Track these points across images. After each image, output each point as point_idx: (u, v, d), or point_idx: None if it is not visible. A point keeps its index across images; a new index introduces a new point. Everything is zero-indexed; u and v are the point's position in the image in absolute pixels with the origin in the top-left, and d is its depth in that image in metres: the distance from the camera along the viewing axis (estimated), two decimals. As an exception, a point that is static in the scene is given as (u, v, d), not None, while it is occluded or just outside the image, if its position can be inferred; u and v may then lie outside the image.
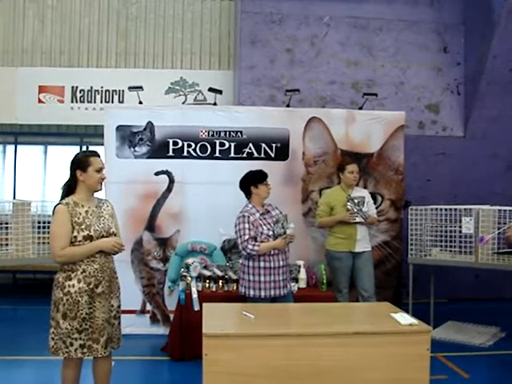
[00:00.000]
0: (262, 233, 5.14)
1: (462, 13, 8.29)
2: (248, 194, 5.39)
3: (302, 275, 6.14)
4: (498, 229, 6.40)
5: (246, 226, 5.13)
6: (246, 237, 5.09)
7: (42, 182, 9.82)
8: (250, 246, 5.07)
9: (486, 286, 8.05)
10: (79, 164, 3.89)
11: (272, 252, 5.17)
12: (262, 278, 5.17)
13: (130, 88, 6.86)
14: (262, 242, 5.12)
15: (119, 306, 4.06)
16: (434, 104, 8.22)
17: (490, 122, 7.96)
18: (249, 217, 5.18)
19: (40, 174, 9.84)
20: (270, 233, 5.17)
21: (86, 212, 3.86)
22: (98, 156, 4.01)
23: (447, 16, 8.33)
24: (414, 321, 3.79)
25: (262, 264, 5.17)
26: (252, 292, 5.20)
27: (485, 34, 7.56)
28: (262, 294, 5.17)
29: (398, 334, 3.65)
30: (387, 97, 7.96)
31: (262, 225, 5.18)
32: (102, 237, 3.87)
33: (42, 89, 9.21)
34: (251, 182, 5.34)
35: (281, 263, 5.23)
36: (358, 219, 5.94)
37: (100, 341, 3.83)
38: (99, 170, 3.93)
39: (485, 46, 7.55)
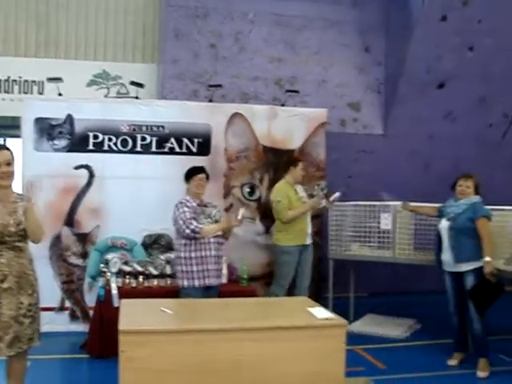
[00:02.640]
0: (195, 219, 5.24)
1: (383, 14, 8.46)
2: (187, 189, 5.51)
3: (224, 270, 6.15)
4: (416, 225, 6.63)
5: (186, 209, 5.23)
6: (188, 216, 5.19)
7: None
8: (194, 223, 5.17)
9: (404, 279, 8.28)
10: None
11: (204, 240, 5.24)
12: (195, 268, 5.25)
13: (49, 79, 6.70)
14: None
15: (31, 305, 3.85)
16: (355, 102, 8.38)
17: (409, 121, 8.19)
18: (186, 203, 5.29)
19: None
20: (208, 220, 5.33)
21: None
22: (7, 149, 3.84)
23: (369, 17, 8.49)
24: (330, 315, 3.86)
25: (193, 254, 5.24)
26: (186, 282, 5.28)
27: (404, 36, 7.76)
28: (196, 283, 5.26)
29: (315, 328, 3.71)
30: (310, 94, 8.05)
31: (197, 213, 5.29)
32: (9, 232, 3.71)
33: (-45, 77, 8.82)
34: (185, 178, 5.48)
35: (213, 253, 5.30)
36: (323, 203, 6.27)
37: (4, 339, 3.68)
38: (3, 163, 3.72)
39: (404, 48, 7.75)
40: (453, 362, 5.60)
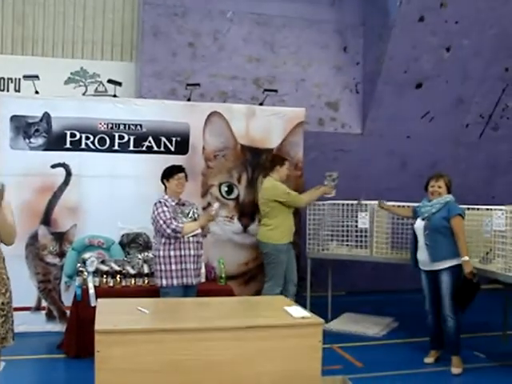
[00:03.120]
0: (174, 218, 5.23)
1: (361, 14, 8.51)
2: (165, 188, 5.49)
3: (202, 269, 6.15)
4: (393, 224, 6.68)
5: (165, 209, 5.24)
6: (168, 216, 5.20)
7: None
8: (174, 223, 5.18)
9: (382, 278, 8.34)
10: None
11: (184, 239, 5.26)
12: (174, 267, 5.25)
13: (25, 76, 6.65)
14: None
15: (4, 304, 3.76)
16: (333, 102, 8.41)
17: (387, 120, 8.24)
18: (165, 202, 5.30)
19: None
20: (187, 219, 5.33)
21: None
22: None
23: (347, 16, 8.53)
24: (306, 314, 3.88)
25: (172, 253, 5.24)
26: (165, 281, 5.29)
27: (382, 36, 7.82)
28: (175, 282, 5.27)
29: (291, 327, 3.73)
30: (288, 93, 8.06)
31: (176, 212, 5.30)
32: None
33: None
34: (163, 176, 5.47)
35: (192, 252, 5.32)
36: (333, 193, 6.49)
37: None
38: None
39: (382, 48, 7.80)
40: (429, 359, 5.66)
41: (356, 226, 6.73)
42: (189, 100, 6.97)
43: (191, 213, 5.43)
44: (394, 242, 6.71)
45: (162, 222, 5.19)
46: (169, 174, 5.45)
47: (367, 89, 8.35)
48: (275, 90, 7.35)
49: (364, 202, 6.68)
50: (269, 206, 6.28)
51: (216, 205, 5.52)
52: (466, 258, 5.27)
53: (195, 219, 5.41)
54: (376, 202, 6.47)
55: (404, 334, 6.62)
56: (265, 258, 6.37)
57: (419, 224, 5.62)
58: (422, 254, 5.57)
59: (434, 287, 5.54)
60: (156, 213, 5.25)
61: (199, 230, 5.41)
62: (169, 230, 5.17)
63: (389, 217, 6.67)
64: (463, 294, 5.33)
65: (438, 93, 8.09)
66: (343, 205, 6.83)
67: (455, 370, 5.36)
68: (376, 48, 8.03)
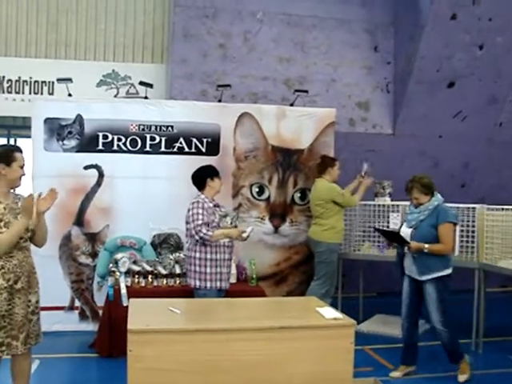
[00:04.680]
0: (213, 221, 5.23)
1: (392, 13, 8.45)
2: (201, 187, 5.40)
3: (233, 270, 6.16)
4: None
5: (200, 211, 5.18)
6: (200, 221, 5.13)
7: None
8: (204, 230, 5.11)
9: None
10: (3, 158, 3.79)
11: (220, 243, 5.25)
12: (208, 270, 5.24)
13: (59, 80, 6.75)
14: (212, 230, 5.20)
15: (37, 302, 3.97)
16: (364, 102, 8.36)
17: (418, 120, 8.16)
18: (203, 203, 5.24)
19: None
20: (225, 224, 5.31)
21: (4, 209, 3.76)
22: (22, 152, 3.94)
23: (378, 16, 8.47)
24: (338, 315, 3.86)
25: (208, 256, 5.23)
26: (198, 283, 5.28)
27: (413, 35, 7.74)
28: (208, 285, 5.25)
29: (323, 328, 3.72)
30: (318, 94, 8.04)
31: (214, 213, 5.27)
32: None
33: (-33, 78, 8.89)
34: (208, 175, 5.40)
35: (226, 256, 5.33)
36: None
37: (19, 338, 3.75)
38: (22, 166, 3.87)
39: (413, 47, 7.73)
40: (395, 373, 5.32)
41: (387, 227, 6.67)
42: (219, 101, 6.99)
43: (232, 221, 5.36)
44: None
45: (193, 225, 5.16)
46: (215, 172, 5.43)
47: (398, 88, 8.28)
48: (306, 91, 7.33)
49: (366, 170, 6.74)
50: (324, 207, 6.38)
51: (250, 228, 5.39)
52: (427, 246, 4.93)
53: (235, 226, 5.37)
54: (407, 202, 6.42)
55: (435, 336, 6.53)
56: (317, 257, 6.44)
57: (405, 232, 5.20)
58: (408, 262, 5.21)
59: (416, 296, 5.25)
60: (191, 213, 5.21)
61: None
62: (197, 237, 5.15)
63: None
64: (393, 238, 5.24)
65: (471, 91, 7.98)
66: (375, 205, 6.80)
67: (461, 378, 5.16)
68: (407, 47, 7.96)
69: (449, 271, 5.09)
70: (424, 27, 7.40)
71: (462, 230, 6.21)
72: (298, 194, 6.91)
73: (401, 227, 5.43)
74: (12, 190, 3.96)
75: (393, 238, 5.37)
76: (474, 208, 6.20)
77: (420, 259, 5.06)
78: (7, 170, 3.78)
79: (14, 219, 3.76)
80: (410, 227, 5.18)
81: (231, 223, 5.31)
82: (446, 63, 7.71)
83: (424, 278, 5.08)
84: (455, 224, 5.17)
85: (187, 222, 5.27)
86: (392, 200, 6.83)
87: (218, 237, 5.19)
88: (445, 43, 7.53)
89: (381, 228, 5.44)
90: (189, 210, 5.25)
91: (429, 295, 5.10)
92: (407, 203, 6.47)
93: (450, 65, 7.73)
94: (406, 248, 5.14)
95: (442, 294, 5.06)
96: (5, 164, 3.77)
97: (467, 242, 6.17)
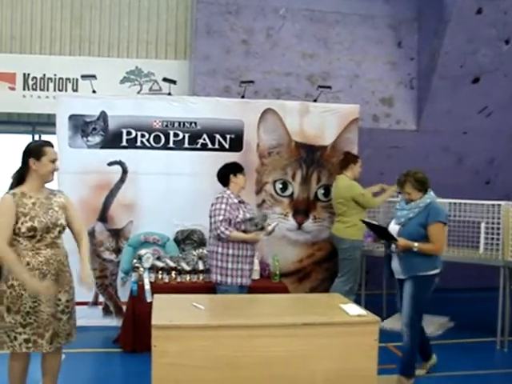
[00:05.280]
0: (237, 216, 5.23)
1: (416, 9, 8.37)
2: (225, 184, 5.44)
3: (256, 266, 6.17)
4: (450, 221, 6.55)
5: (223, 206, 5.21)
6: (221, 217, 5.17)
7: (-7, 171, 9.61)
8: (222, 228, 5.15)
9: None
10: (33, 153, 3.81)
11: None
12: (230, 265, 5.26)
13: (83, 76, 6.79)
14: (235, 226, 5.21)
15: (69, 301, 3.95)
16: (387, 98, 8.30)
17: (442, 116, 8.08)
18: (228, 199, 5.27)
19: (-10, 163, 9.63)
20: (247, 215, 5.29)
21: (34, 203, 3.77)
22: (52, 146, 3.95)
23: (402, 11, 8.40)
24: (362, 312, 3.85)
25: (230, 251, 5.25)
26: (219, 278, 5.31)
27: (437, 30, 7.66)
28: (229, 280, 5.28)
29: (347, 325, 3.71)
30: (342, 90, 8.00)
31: (239, 209, 5.28)
32: (48, 228, 3.77)
33: (-9, 75, 8.99)
34: (231, 171, 5.43)
35: (249, 252, 5.33)
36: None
37: (45, 336, 3.76)
38: (53, 161, 3.87)
39: (437, 42, 7.65)
40: (420, 371, 5.20)
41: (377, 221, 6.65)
42: (243, 97, 6.99)
43: (258, 224, 5.30)
44: (450, 240, 6.57)
45: (213, 220, 5.23)
46: (239, 169, 5.46)
47: (422, 84, 8.21)
48: (329, 87, 7.30)
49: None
50: (345, 205, 6.41)
51: (275, 223, 5.42)
52: (416, 244, 4.70)
53: (262, 228, 5.33)
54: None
55: (460, 334, 6.50)
56: (340, 254, 6.45)
57: (393, 228, 4.96)
58: (395, 263, 4.96)
59: None
60: (214, 207, 5.26)
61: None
62: (215, 232, 5.22)
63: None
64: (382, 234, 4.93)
65: (496, 87, 7.88)
66: (397, 202, 6.73)
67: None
68: (431, 42, 7.88)
69: (434, 272, 4.85)
70: (448, 22, 7.32)
71: (486, 228, 6.16)
72: (322, 191, 6.89)
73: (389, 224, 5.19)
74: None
75: (381, 233, 5.02)
76: (499, 205, 6.14)
77: (406, 258, 4.81)
78: (38, 165, 3.79)
79: (43, 214, 3.78)
80: (399, 224, 4.94)
81: (256, 226, 5.28)
82: (470, 58, 7.62)
83: (407, 276, 4.84)
84: (445, 224, 4.91)
85: (210, 217, 5.31)
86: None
87: (235, 238, 5.21)
88: (469, 38, 7.44)
89: (369, 221, 5.23)
90: (212, 205, 5.30)
91: (405, 291, 4.86)
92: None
93: (475, 60, 7.64)
94: (393, 246, 4.88)
95: (419, 292, 4.79)
96: (35, 159, 3.79)
97: (492, 239, 6.11)
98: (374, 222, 5.14)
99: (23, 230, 3.69)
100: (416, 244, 4.71)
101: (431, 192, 4.95)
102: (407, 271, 4.83)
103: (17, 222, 3.69)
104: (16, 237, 3.72)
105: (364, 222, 5.25)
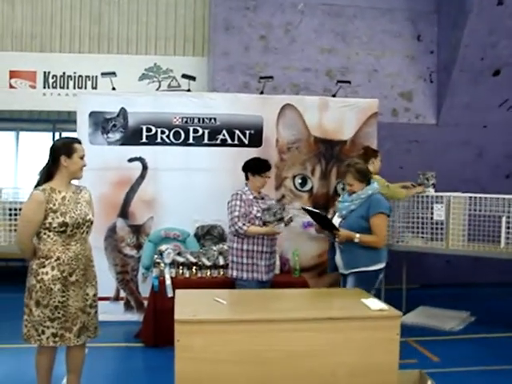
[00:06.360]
0: (250, 212, 5.24)
1: (435, 1, 8.33)
2: (246, 178, 5.46)
3: (276, 262, 6.18)
4: (469, 216, 6.52)
5: (238, 203, 5.24)
6: (236, 213, 5.20)
7: (14, 169, 9.72)
8: (239, 224, 5.17)
9: (457, 271, 8.16)
10: (64, 150, 3.84)
11: (258, 235, 5.26)
12: (245, 260, 5.27)
13: (103, 74, 6.82)
14: (249, 222, 5.21)
15: (95, 295, 4.02)
16: (407, 92, 8.27)
17: (462, 109, 8.04)
18: (242, 195, 5.29)
19: (12, 161, 9.73)
20: (259, 214, 5.27)
21: (63, 198, 3.82)
22: (80, 143, 4.00)
23: (421, 4, 8.36)
24: (384, 306, 3.84)
25: (245, 247, 5.26)
26: (235, 273, 5.34)
27: (457, 22, 7.61)
28: (245, 275, 5.29)
29: (368, 319, 3.70)
30: (361, 84, 7.98)
31: (253, 205, 5.28)
32: (78, 224, 3.82)
33: (13, 74, 9.08)
34: (249, 169, 5.41)
35: (264, 248, 5.30)
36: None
37: (73, 330, 3.82)
38: (82, 157, 3.92)
39: (457, 35, 7.60)
40: None
41: (431, 218, 6.60)
42: (262, 93, 6.99)
43: (276, 214, 5.27)
44: (471, 235, 6.55)
45: (230, 216, 5.26)
46: (257, 169, 5.38)
47: (442, 78, 8.17)
48: (348, 81, 7.28)
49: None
50: None
51: (289, 216, 5.39)
52: (357, 235, 4.58)
53: (281, 219, 5.30)
54: (452, 193, 6.36)
55: (481, 329, 6.46)
56: None
57: (335, 222, 4.82)
58: (337, 256, 4.83)
59: None
60: (229, 204, 5.29)
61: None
62: (232, 228, 5.23)
63: (465, 209, 6.51)
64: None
65: (518, 79, 7.83)
66: (418, 196, 6.72)
67: None
68: (451, 35, 7.83)
69: (378, 266, 4.72)
70: (469, 14, 7.26)
71: (507, 222, 6.13)
72: (341, 186, 6.87)
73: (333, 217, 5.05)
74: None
75: (322, 222, 4.82)
76: (519, 199, 6.11)
77: (347, 251, 4.70)
78: (68, 162, 3.83)
79: (73, 209, 3.83)
80: (340, 217, 4.84)
81: (275, 215, 5.27)
82: (491, 51, 7.56)
83: (348, 271, 4.72)
84: (388, 216, 4.79)
85: (227, 212, 5.35)
86: (436, 191, 6.74)
87: (253, 233, 5.21)
88: (490, 30, 7.38)
89: (310, 209, 5.05)
90: (228, 202, 5.33)
91: (347, 288, 4.73)
92: (452, 194, 6.45)
93: (496, 52, 7.58)
94: (335, 237, 4.71)
95: (362, 288, 4.47)
96: (66, 156, 3.83)
97: (514, 233, 6.09)
98: (315, 210, 4.92)
99: (54, 225, 3.74)
100: (358, 235, 4.59)
101: (374, 183, 4.86)
102: (348, 265, 4.71)
103: (46, 218, 3.74)
104: (47, 231, 3.77)
105: (304, 209, 5.08)
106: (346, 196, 4.88)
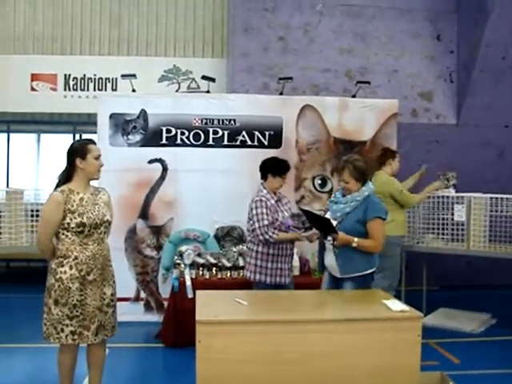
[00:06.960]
0: (276, 219, 5.10)
1: (454, 1, 8.30)
2: (264, 178, 5.28)
3: (296, 263, 6.16)
4: (490, 217, 6.47)
5: (265, 210, 5.06)
6: (266, 222, 5.02)
7: (35, 171, 9.81)
8: (269, 233, 5.00)
9: (478, 273, 8.10)
10: (78, 152, 3.89)
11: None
12: (269, 265, 5.15)
13: (123, 76, 6.86)
14: (275, 228, 5.07)
15: (113, 294, 4.06)
16: (426, 92, 8.23)
17: (483, 109, 7.99)
18: (266, 202, 5.10)
19: (33, 163, 9.82)
20: (286, 214, 5.20)
21: (81, 199, 3.86)
22: (95, 143, 4.04)
23: (440, 4, 8.33)
24: (405, 307, 3.81)
25: (270, 251, 5.13)
26: (258, 277, 5.18)
27: (478, 21, 7.57)
28: (268, 280, 5.16)
29: (390, 321, 3.67)
30: (380, 85, 7.97)
31: (277, 211, 5.16)
32: (96, 224, 3.87)
33: (34, 77, 9.17)
34: (270, 170, 5.23)
35: (288, 252, 5.23)
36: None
37: (91, 328, 3.86)
38: (97, 157, 3.95)
39: (478, 34, 7.55)
40: None
41: (452, 219, 6.56)
42: (281, 94, 6.99)
43: (306, 222, 5.08)
44: (492, 236, 6.50)
45: (257, 225, 5.05)
46: (278, 170, 5.21)
47: (462, 78, 8.13)
48: (368, 82, 7.26)
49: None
50: (383, 201, 6.26)
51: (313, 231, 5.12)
52: (356, 239, 4.34)
53: (309, 228, 5.13)
54: (472, 194, 6.32)
55: (502, 331, 6.40)
56: None
57: None
58: (330, 260, 4.54)
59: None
60: (255, 212, 5.08)
61: None
62: (261, 237, 5.03)
63: (486, 209, 6.46)
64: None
65: (540, 79, 7.76)
66: (439, 197, 6.68)
67: None
68: (471, 34, 7.78)
69: (373, 269, 4.53)
70: (490, 13, 7.22)
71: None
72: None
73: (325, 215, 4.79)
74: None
75: (320, 224, 4.61)
76: (540, 200, 6.06)
77: (344, 255, 4.44)
78: (84, 164, 3.88)
79: (91, 210, 3.87)
80: (334, 219, 4.49)
81: (304, 223, 5.13)
82: (512, 50, 7.53)
83: (345, 276, 4.47)
84: (384, 220, 4.49)
85: (250, 219, 5.18)
86: (456, 192, 6.70)
87: (281, 240, 5.09)
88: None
89: (308, 210, 4.91)
90: (252, 209, 5.13)
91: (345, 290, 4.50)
92: (473, 194, 6.39)
93: (517, 52, 7.54)
94: (330, 240, 4.47)
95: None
96: (81, 158, 3.87)
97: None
98: (315, 212, 4.84)
99: (72, 225, 3.79)
100: (356, 239, 4.36)
101: (370, 184, 4.56)
102: (345, 270, 4.47)
103: (64, 218, 3.79)
104: (65, 231, 3.83)
105: (302, 210, 4.98)
106: (339, 195, 4.59)
